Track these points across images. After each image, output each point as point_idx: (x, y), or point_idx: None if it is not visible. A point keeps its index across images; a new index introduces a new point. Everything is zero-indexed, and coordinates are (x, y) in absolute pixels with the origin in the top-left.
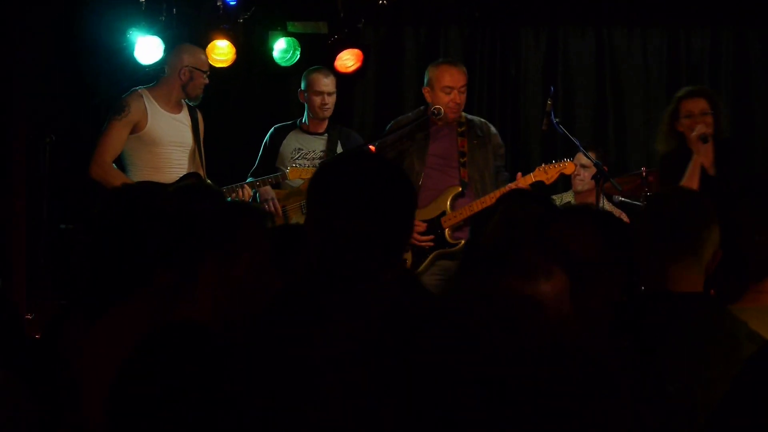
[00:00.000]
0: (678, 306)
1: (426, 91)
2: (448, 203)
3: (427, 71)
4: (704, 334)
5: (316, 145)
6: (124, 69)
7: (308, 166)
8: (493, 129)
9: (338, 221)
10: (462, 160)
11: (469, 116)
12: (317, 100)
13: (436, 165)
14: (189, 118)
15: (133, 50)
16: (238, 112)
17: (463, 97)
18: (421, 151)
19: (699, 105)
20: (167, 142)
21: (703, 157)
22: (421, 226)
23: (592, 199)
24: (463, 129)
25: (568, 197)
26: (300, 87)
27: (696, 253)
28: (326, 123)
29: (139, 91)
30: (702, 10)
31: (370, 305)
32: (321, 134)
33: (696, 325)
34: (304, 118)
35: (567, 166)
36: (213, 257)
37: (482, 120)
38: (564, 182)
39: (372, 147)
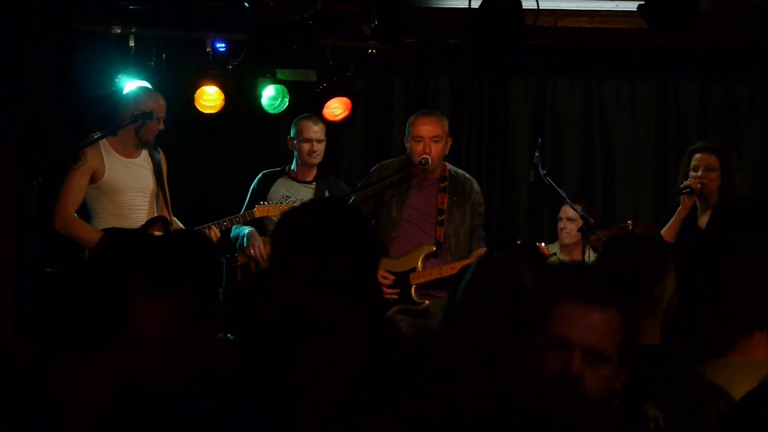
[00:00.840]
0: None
1: (405, 141)
2: (420, 261)
3: (407, 122)
4: (665, 387)
5: (305, 193)
6: (113, 114)
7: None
8: (476, 186)
9: (298, 266)
10: (440, 218)
11: (453, 170)
12: (306, 147)
13: (413, 218)
14: (150, 161)
15: (122, 95)
16: (226, 159)
17: (438, 146)
18: (400, 201)
19: (706, 160)
20: (127, 188)
21: (682, 209)
22: (388, 279)
23: (578, 252)
24: (445, 184)
25: (554, 248)
26: (289, 134)
27: (653, 312)
28: (315, 171)
29: (95, 137)
30: (690, 62)
31: (329, 356)
32: (309, 183)
33: (656, 378)
34: (293, 166)
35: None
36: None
37: (466, 176)
38: (551, 233)
39: (361, 196)
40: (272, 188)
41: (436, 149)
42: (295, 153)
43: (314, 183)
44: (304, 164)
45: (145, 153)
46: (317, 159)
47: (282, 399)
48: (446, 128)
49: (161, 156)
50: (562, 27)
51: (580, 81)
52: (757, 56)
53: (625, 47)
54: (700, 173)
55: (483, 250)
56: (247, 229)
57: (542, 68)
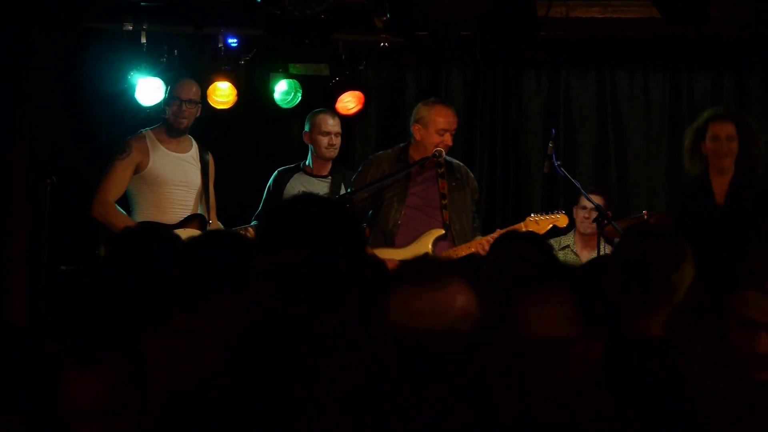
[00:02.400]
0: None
1: (416, 129)
2: (431, 245)
3: (418, 109)
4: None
5: (321, 188)
6: (126, 111)
7: None
8: (470, 173)
9: (281, 260)
10: (444, 202)
11: (447, 158)
12: (324, 140)
13: (416, 205)
14: (198, 159)
15: (134, 92)
16: (239, 154)
17: (453, 139)
18: (401, 191)
19: (726, 129)
20: (170, 182)
21: None
22: None
23: (594, 243)
24: (442, 170)
25: (567, 240)
26: (304, 129)
27: (669, 301)
28: (330, 165)
29: (144, 132)
30: (704, 53)
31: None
32: (325, 177)
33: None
34: (308, 161)
35: (560, 219)
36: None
37: (459, 163)
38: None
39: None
40: (288, 184)
41: (452, 142)
42: (311, 148)
43: (329, 177)
44: (320, 158)
45: (194, 151)
46: (334, 152)
47: (275, 398)
48: None
49: (210, 158)
50: (574, 17)
51: (593, 72)
52: None
53: (638, 37)
54: (719, 144)
55: (483, 237)
56: None
57: (555, 60)
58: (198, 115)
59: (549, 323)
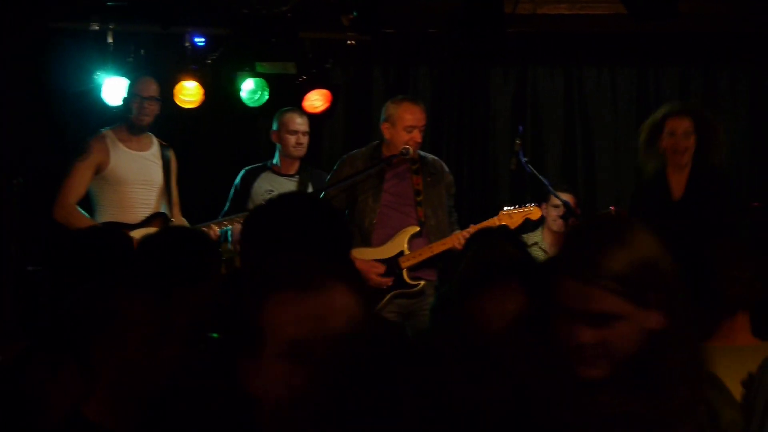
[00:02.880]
0: None
1: (385, 128)
2: (406, 243)
3: (387, 107)
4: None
5: (289, 187)
6: (93, 110)
7: None
8: (445, 167)
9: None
10: (418, 198)
11: (422, 153)
12: (292, 139)
13: (391, 203)
14: (160, 157)
15: (101, 92)
16: (207, 153)
17: (422, 135)
18: (375, 189)
19: (683, 125)
20: (132, 181)
21: None
22: (380, 268)
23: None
24: (416, 166)
25: (535, 237)
26: (272, 128)
27: None
28: (298, 164)
29: (104, 132)
30: (671, 48)
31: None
32: (293, 176)
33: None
34: (276, 160)
35: (533, 212)
36: (99, 343)
37: (434, 157)
38: (534, 222)
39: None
40: (255, 184)
41: (421, 138)
42: (278, 146)
43: (297, 176)
44: (288, 157)
45: (155, 149)
46: (302, 151)
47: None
48: None
49: (172, 155)
50: (542, 14)
51: (561, 68)
52: (739, 43)
53: (606, 34)
54: (676, 139)
55: (460, 232)
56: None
57: (522, 56)
58: (158, 112)
59: (504, 318)
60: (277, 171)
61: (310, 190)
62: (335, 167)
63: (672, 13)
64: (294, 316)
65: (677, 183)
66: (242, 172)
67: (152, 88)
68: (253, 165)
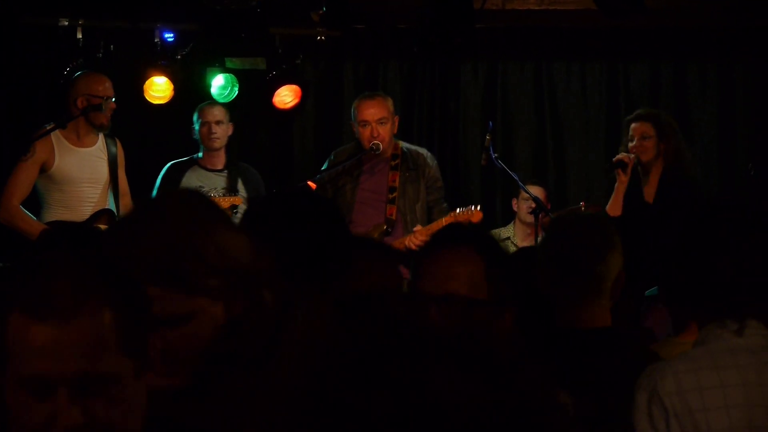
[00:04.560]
0: (587, 343)
1: (353, 126)
2: None
3: (352, 106)
4: (615, 370)
5: (218, 183)
6: (62, 107)
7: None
8: (430, 161)
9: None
10: (391, 196)
11: (406, 147)
12: (204, 130)
13: (367, 200)
14: (105, 151)
15: (70, 88)
16: (177, 149)
17: (386, 128)
18: (353, 185)
19: (641, 128)
20: (78, 179)
21: (620, 183)
22: None
23: (532, 234)
24: (396, 162)
25: (507, 233)
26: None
27: (598, 292)
28: (223, 158)
29: (47, 128)
30: (641, 43)
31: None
32: (221, 171)
33: (606, 361)
34: (200, 154)
35: (474, 214)
36: None
37: (420, 152)
38: (504, 216)
39: (312, 184)
40: (183, 179)
41: (384, 131)
42: (199, 140)
43: (225, 171)
44: (208, 150)
45: (101, 143)
46: (218, 142)
47: (257, 393)
48: (391, 108)
49: (118, 146)
50: (511, 9)
51: (530, 64)
52: (708, 37)
53: (575, 29)
54: (635, 143)
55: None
56: None
57: (492, 52)
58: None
59: (453, 279)
60: (203, 166)
61: (239, 185)
62: (326, 164)
63: (639, 9)
64: (34, 344)
65: (649, 187)
66: (167, 166)
67: (111, 86)
68: (179, 159)
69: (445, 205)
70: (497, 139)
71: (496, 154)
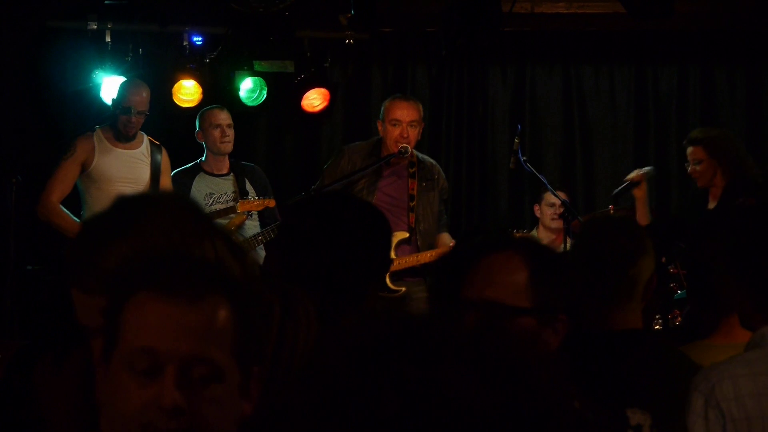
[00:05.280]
0: (618, 345)
1: (379, 124)
2: (392, 248)
3: (382, 105)
4: (647, 372)
5: (226, 187)
6: (91, 109)
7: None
8: (441, 172)
9: (300, 259)
10: (411, 204)
11: (420, 156)
12: (216, 133)
13: (384, 203)
14: (149, 155)
15: (99, 91)
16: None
17: (415, 132)
18: (371, 187)
19: (693, 154)
20: (116, 179)
21: (638, 198)
22: None
23: (560, 239)
24: (413, 170)
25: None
26: (196, 129)
27: (629, 295)
28: (227, 162)
29: (94, 130)
30: (669, 47)
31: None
32: (227, 175)
33: (639, 363)
34: (204, 158)
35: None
36: None
37: (432, 162)
38: (532, 219)
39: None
40: (192, 188)
41: (413, 134)
42: (205, 145)
43: (231, 174)
44: (216, 153)
45: (144, 147)
46: (229, 146)
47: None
48: (422, 114)
49: (164, 154)
50: (540, 13)
51: (559, 67)
52: (736, 40)
53: (603, 32)
54: (690, 168)
55: (447, 236)
56: None
57: (520, 55)
58: (143, 121)
59: (493, 286)
60: (209, 171)
61: (247, 186)
62: (332, 159)
63: (668, 11)
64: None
65: (713, 196)
66: (172, 174)
67: (142, 100)
68: (183, 167)
69: (446, 217)
70: (525, 143)
71: (524, 158)
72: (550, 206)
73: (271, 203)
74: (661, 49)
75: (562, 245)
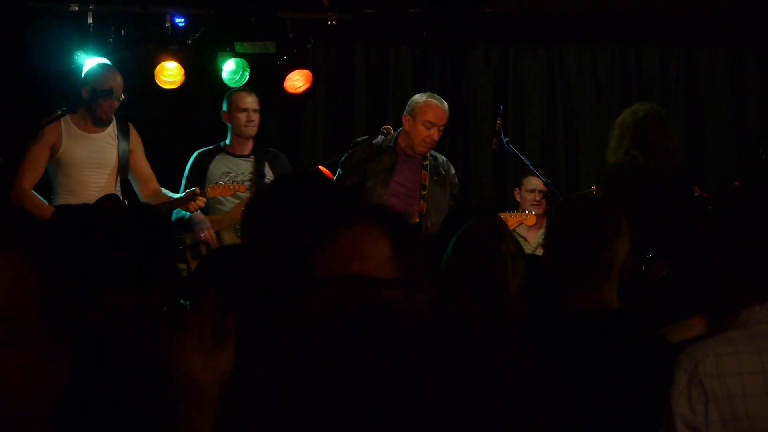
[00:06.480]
0: (596, 325)
1: (406, 120)
2: None
3: (413, 100)
4: (624, 351)
5: (245, 168)
6: (73, 91)
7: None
8: (452, 169)
9: (273, 239)
10: (423, 192)
11: (433, 153)
12: (242, 117)
13: (398, 193)
14: (116, 137)
15: (81, 72)
16: (188, 134)
17: (440, 135)
18: (386, 177)
19: None
20: (84, 164)
21: None
22: None
23: (542, 222)
24: (427, 163)
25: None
26: (222, 109)
27: (605, 275)
28: (251, 144)
29: (59, 112)
30: (652, 28)
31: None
32: (248, 156)
33: (617, 342)
34: (228, 141)
35: (529, 218)
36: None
37: (444, 158)
38: (514, 201)
39: (323, 169)
40: (211, 166)
41: (438, 137)
42: (230, 127)
43: (252, 156)
44: (240, 136)
45: (111, 129)
46: (254, 130)
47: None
48: None
49: (132, 132)
50: None
51: (542, 49)
52: (718, 21)
53: (586, 14)
54: None
55: None
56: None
57: (503, 36)
58: (117, 107)
59: (363, 260)
60: (230, 152)
61: (267, 169)
62: (348, 153)
63: None
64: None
65: None
66: (195, 155)
67: (120, 84)
68: (205, 148)
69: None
70: (508, 124)
71: (507, 139)
72: (529, 192)
73: (242, 188)
74: (645, 31)
75: (539, 231)
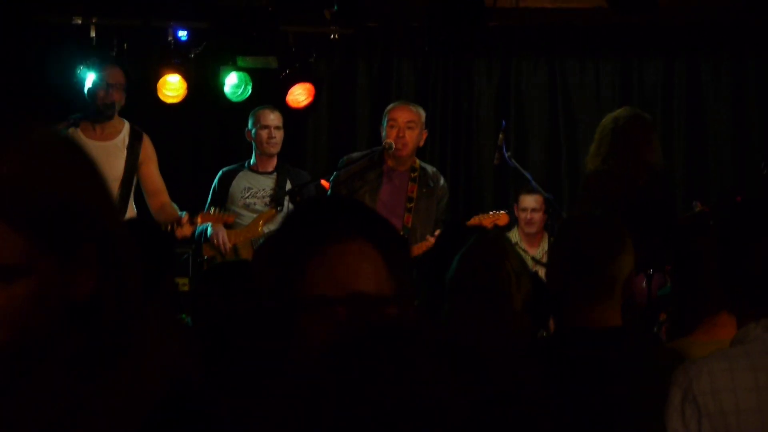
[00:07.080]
0: (598, 342)
1: (381, 130)
2: None
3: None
4: (628, 369)
5: (265, 183)
6: (75, 104)
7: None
8: (442, 180)
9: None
10: (409, 205)
11: (423, 164)
12: (264, 134)
13: (385, 204)
14: (125, 146)
15: (84, 86)
16: (190, 148)
17: (412, 133)
18: (373, 191)
19: None
20: None
21: None
22: None
23: (539, 239)
24: (415, 175)
25: (514, 238)
26: (247, 127)
27: (609, 293)
28: (275, 161)
29: (70, 121)
30: (653, 40)
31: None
32: (270, 173)
33: (619, 360)
34: (252, 159)
35: (501, 217)
36: None
37: (434, 170)
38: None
39: (324, 182)
40: (233, 183)
41: (410, 136)
42: (254, 144)
43: (275, 173)
44: (263, 154)
45: (123, 137)
46: (276, 147)
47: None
48: (422, 118)
49: (145, 142)
50: (524, 7)
51: (544, 61)
52: (720, 33)
53: (588, 27)
54: None
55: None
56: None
57: (505, 50)
58: (123, 103)
59: (361, 277)
60: (254, 170)
61: (288, 186)
62: (339, 167)
63: (651, 4)
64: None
65: None
66: (219, 173)
67: (115, 73)
68: (230, 166)
69: (441, 225)
70: (510, 138)
71: (509, 153)
72: (522, 211)
73: (230, 219)
74: (646, 43)
75: (541, 246)
